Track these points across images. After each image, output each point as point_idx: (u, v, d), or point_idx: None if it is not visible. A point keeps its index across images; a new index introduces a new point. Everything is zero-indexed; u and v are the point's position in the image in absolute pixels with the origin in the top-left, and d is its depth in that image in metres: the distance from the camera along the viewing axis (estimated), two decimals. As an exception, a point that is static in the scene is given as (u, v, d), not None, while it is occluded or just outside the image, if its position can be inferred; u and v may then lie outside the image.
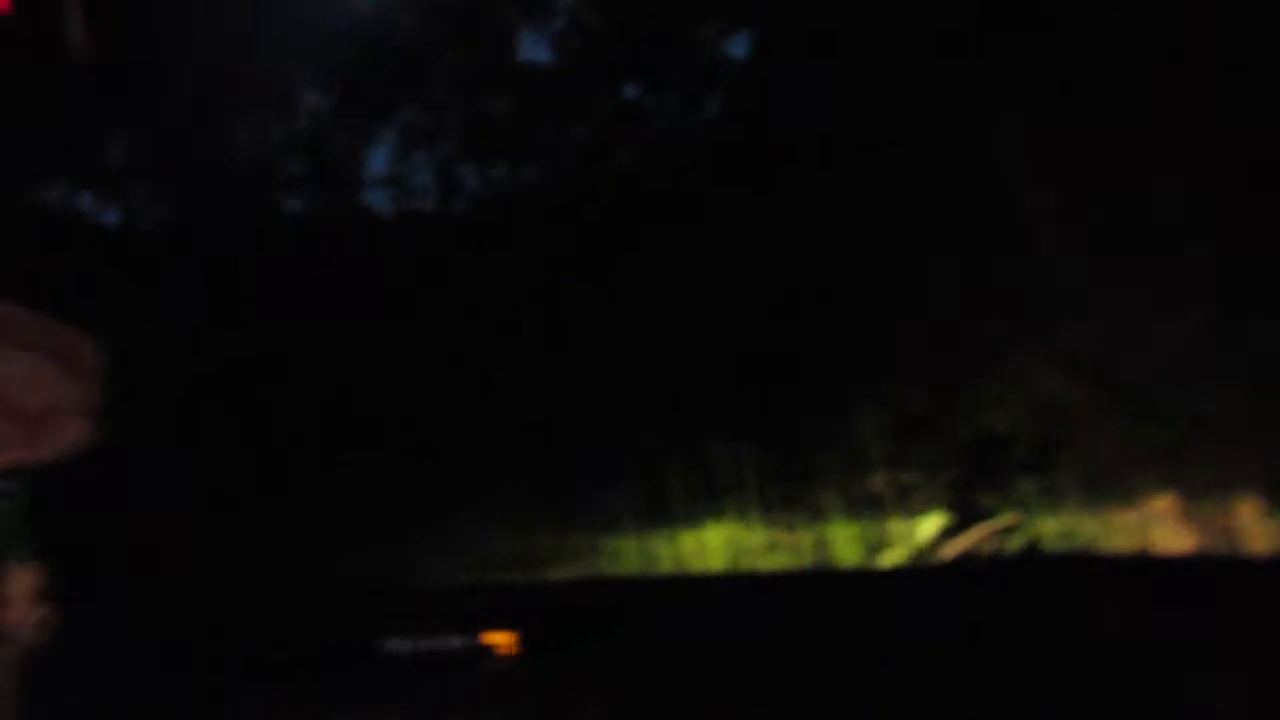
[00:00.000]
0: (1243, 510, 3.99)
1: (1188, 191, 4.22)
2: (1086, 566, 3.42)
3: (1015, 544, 4.13)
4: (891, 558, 4.40)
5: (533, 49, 7.48)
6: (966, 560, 4.01)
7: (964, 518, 4.30)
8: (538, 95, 7.16)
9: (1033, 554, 3.98)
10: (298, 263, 6.79)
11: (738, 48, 7.20)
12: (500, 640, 2.71)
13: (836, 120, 5.56)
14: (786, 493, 4.76)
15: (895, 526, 4.50)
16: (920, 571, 3.84)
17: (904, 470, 4.55)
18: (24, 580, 2.52)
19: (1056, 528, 4.20)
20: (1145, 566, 3.31)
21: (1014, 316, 4.49)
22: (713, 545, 4.78)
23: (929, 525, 4.40)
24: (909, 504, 4.51)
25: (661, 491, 5.05)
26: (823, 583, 3.61)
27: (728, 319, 5.31)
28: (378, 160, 7.57)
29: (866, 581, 3.64)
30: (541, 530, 5.25)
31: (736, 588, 3.69)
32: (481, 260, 6.89)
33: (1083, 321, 4.38)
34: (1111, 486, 4.13)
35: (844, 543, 4.61)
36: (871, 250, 4.83)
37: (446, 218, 7.45)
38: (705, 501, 4.90)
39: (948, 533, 4.35)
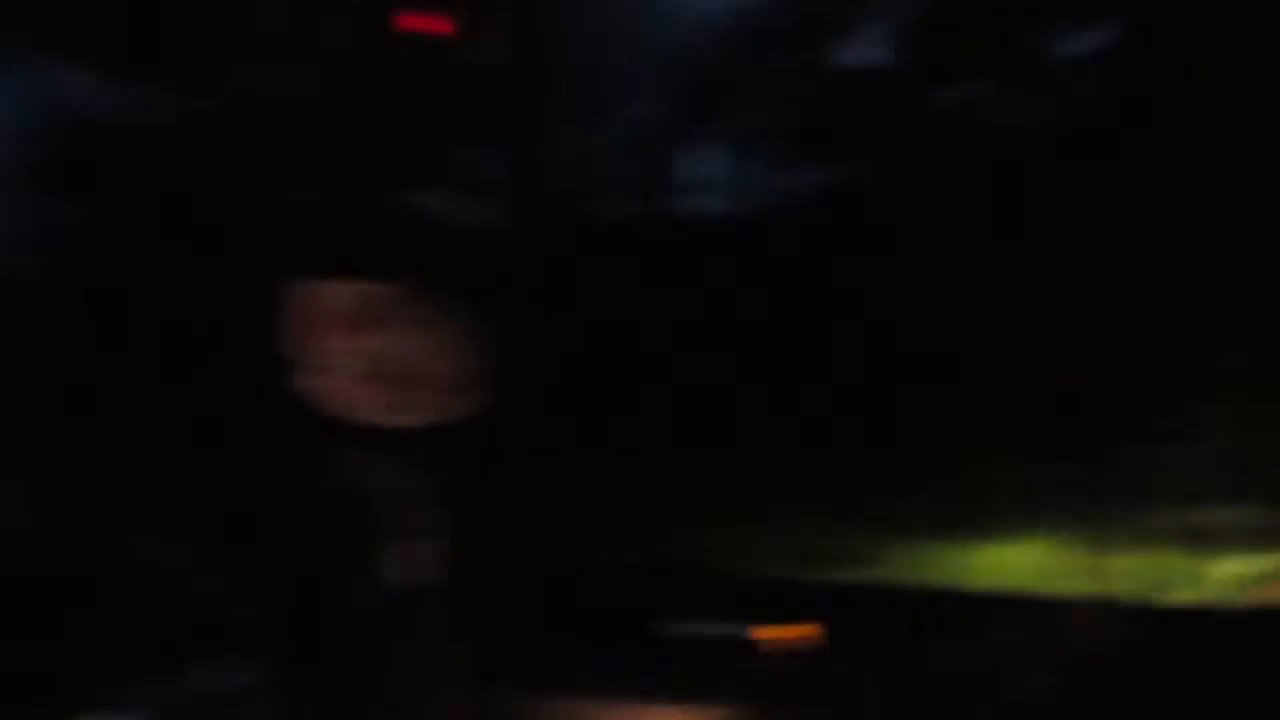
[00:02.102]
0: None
1: None
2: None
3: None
4: (1213, 593, 4.21)
5: (865, 51, 7.59)
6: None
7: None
8: (869, 95, 7.28)
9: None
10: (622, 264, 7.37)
11: (1082, 44, 6.90)
12: (789, 635, 2.63)
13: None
14: (1106, 519, 4.67)
15: (1217, 562, 4.30)
16: (1244, 614, 3.63)
17: (1241, 505, 4.33)
18: None
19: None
20: None
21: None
22: (1019, 564, 4.79)
23: (1258, 565, 4.16)
24: (1238, 540, 4.29)
25: (972, 503, 5.09)
26: (1138, 616, 3.44)
27: (1053, 339, 5.24)
28: (699, 165, 8.02)
29: (1175, 619, 3.42)
30: (838, 529, 5.39)
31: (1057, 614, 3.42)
32: (803, 259, 7.15)
33: None
34: None
35: (1151, 572, 4.46)
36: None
37: (769, 219, 7.78)
38: (1017, 518, 4.90)
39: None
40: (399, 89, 5.14)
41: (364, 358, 3.54)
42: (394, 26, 4.88)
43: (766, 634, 2.80)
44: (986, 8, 6.84)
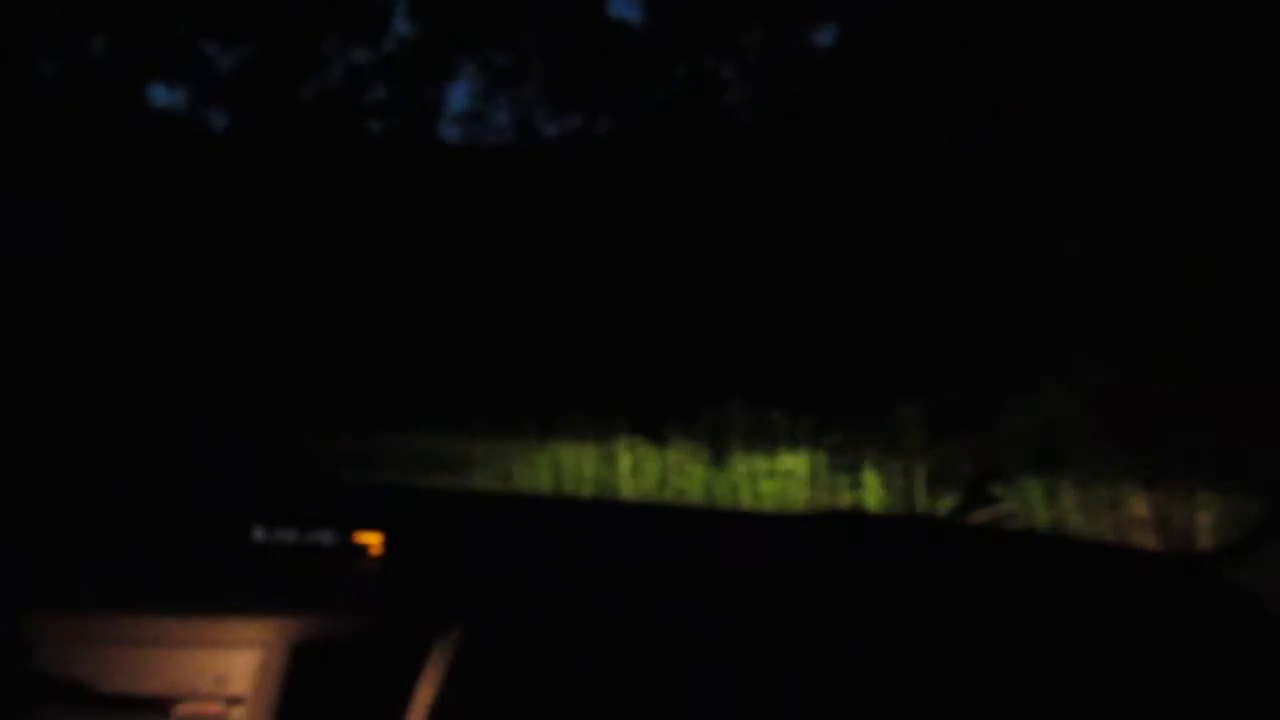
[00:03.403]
0: (1202, 519, 5.03)
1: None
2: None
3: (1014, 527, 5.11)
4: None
5: (621, 6, 8.01)
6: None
7: (976, 500, 5.26)
8: (621, 51, 7.74)
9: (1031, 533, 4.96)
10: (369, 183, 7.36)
11: (825, 36, 7.72)
12: (370, 540, 2.39)
13: (901, 127, 6.26)
14: (832, 461, 5.68)
15: (919, 501, 5.48)
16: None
17: (933, 454, 5.51)
18: None
19: (1050, 519, 5.21)
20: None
21: (1040, 342, 5.40)
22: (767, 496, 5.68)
23: (946, 503, 5.37)
24: (933, 485, 5.48)
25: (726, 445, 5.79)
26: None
27: (781, 301, 6.10)
28: (458, 97, 8.15)
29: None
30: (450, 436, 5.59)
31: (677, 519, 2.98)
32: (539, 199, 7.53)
33: (1096, 354, 5.29)
34: (1100, 492, 5.12)
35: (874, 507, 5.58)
36: (927, 265, 5.65)
37: (516, 156, 8.08)
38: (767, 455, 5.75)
39: (961, 510, 5.31)
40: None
41: None
42: None
43: (368, 539, 2.71)
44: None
